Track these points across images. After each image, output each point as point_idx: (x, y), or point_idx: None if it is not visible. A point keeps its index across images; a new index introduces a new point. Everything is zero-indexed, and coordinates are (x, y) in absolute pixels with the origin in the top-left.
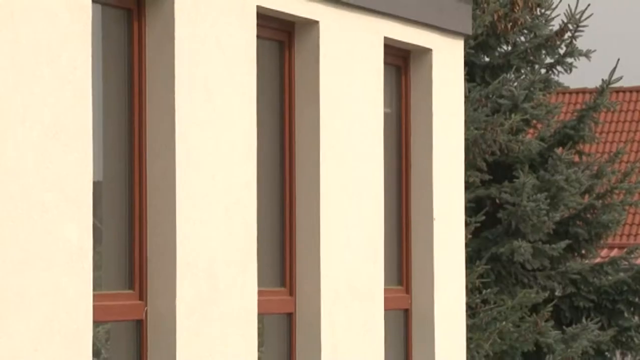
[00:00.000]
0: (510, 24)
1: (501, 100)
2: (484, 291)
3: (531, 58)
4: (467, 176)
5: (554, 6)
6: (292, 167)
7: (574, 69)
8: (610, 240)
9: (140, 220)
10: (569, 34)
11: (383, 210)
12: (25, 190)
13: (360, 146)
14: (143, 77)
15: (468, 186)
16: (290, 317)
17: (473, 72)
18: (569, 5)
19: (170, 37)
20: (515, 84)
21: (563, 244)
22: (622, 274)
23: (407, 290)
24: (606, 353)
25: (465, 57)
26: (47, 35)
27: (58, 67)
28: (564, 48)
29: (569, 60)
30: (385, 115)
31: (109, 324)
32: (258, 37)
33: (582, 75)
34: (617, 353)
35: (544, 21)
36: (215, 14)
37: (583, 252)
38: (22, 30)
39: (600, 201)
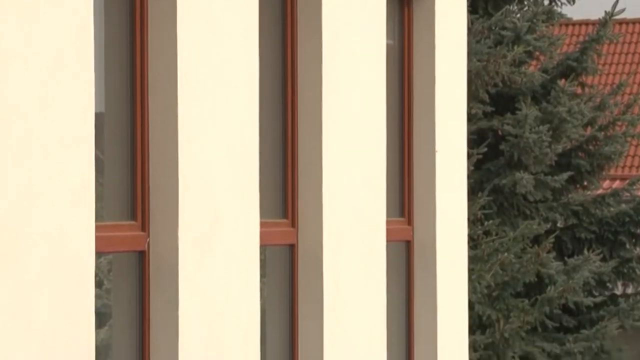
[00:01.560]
0: None
1: (504, 32)
2: (485, 223)
3: None
4: (469, 108)
5: None
6: (295, 99)
7: (577, 1)
8: (612, 172)
9: (142, 152)
10: None
11: (385, 142)
12: (26, 122)
13: (363, 78)
14: (145, 9)
15: (470, 118)
16: (292, 248)
17: (476, 4)
18: None
19: None
20: (518, 15)
21: (565, 175)
22: (623, 206)
23: (409, 221)
24: (607, 284)
25: None
26: None
27: (60, 2)
28: None
29: None
30: (388, 47)
31: (111, 255)
32: None
33: (585, 7)
34: (619, 284)
35: None
36: None
37: (585, 183)
38: None
39: (603, 133)
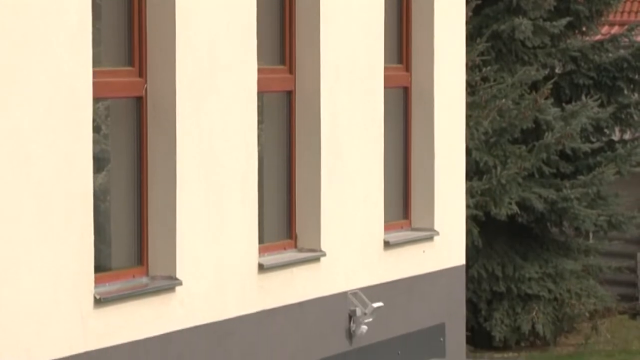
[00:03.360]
0: None
1: None
2: (484, 69)
3: None
4: None
5: None
6: None
7: None
8: (611, 17)
9: None
10: None
11: None
12: None
13: None
14: None
15: None
16: (289, 95)
17: None
18: None
19: None
20: None
21: (564, 21)
22: (622, 51)
23: (407, 68)
24: (605, 130)
25: None
26: None
27: None
28: None
29: None
30: None
31: (109, 100)
32: None
33: None
34: (616, 130)
35: None
36: None
37: (584, 29)
38: None
39: None
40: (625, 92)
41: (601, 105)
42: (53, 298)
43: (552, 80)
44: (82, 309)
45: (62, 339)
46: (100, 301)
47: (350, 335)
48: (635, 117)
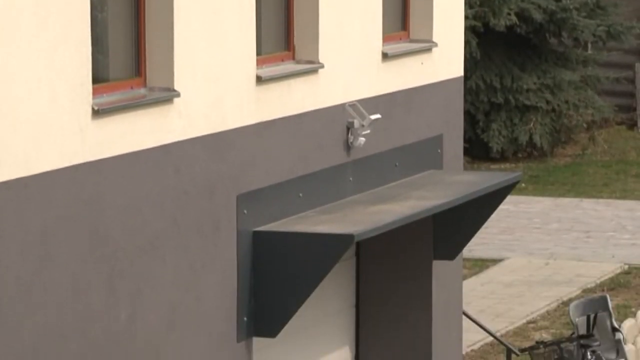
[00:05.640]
0: None
1: None
2: None
3: None
4: None
5: None
6: None
7: None
8: None
9: None
10: None
11: None
12: None
13: None
14: None
15: None
16: None
17: None
18: None
19: None
20: None
21: None
22: None
23: None
24: None
25: None
26: None
27: None
28: None
29: None
30: None
31: None
32: None
33: None
34: None
35: None
36: None
37: None
38: None
39: None
40: None
41: None
42: (51, 110)
43: None
44: (80, 121)
45: (61, 150)
46: (98, 112)
47: (347, 147)
48: None
